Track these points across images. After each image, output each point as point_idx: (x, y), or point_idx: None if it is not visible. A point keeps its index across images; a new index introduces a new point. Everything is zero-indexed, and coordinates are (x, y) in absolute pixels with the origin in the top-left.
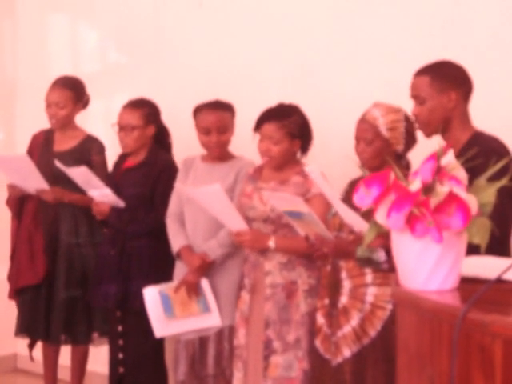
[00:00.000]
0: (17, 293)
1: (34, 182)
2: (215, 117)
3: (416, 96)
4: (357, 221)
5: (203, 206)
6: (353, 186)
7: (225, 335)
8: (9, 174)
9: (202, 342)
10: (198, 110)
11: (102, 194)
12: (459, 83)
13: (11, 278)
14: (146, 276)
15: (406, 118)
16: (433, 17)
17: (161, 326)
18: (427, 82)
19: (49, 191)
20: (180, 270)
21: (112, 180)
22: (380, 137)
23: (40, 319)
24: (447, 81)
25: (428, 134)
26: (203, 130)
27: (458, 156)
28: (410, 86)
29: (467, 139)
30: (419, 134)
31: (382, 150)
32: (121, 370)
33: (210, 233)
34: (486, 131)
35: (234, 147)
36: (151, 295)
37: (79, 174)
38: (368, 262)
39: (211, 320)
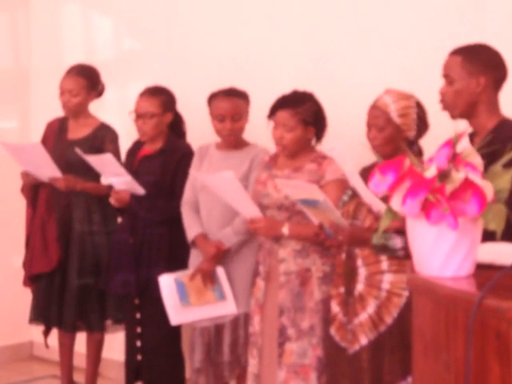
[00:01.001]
0: (31, 280)
1: (47, 169)
2: (230, 104)
3: (446, 75)
4: (376, 201)
5: (217, 192)
6: (364, 173)
7: (240, 323)
8: (22, 162)
9: (218, 329)
10: (213, 97)
11: (121, 182)
12: (491, 69)
13: (26, 265)
14: (166, 264)
15: (418, 105)
16: (446, 2)
17: (176, 313)
18: (459, 63)
19: (61, 179)
20: (195, 258)
21: (130, 167)
22: (391, 123)
23: (53, 306)
24: (478, 64)
25: (453, 116)
26: (218, 117)
27: (484, 143)
28: (443, 64)
29: (493, 126)
30: (433, 119)
31: (393, 137)
32: (139, 357)
33: (225, 221)
34: None
35: (247, 134)
36: (167, 283)
37: (101, 161)
38: (384, 249)
39: (227, 308)
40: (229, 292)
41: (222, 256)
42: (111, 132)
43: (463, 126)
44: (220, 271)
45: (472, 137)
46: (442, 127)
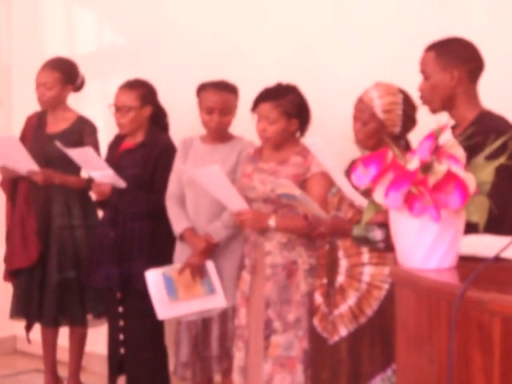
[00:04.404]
0: (11, 275)
1: (24, 163)
2: (220, 97)
3: (422, 71)
4: (358, 195)
5: (204, 186)
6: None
7: (229, 316)
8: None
9: (205, 323)
10: (203, 88)
11: (103, 175)
12: (464, 61)
13: (6, 260)
14: (147, 257)
15: (405, 101)
16: None
17: (164, 308)
18: (432, 58)
19: (39, 173)
20: (181, 252)
21: (111, 161)
22: (375, 118)
23: (34, 301)
24: (451, 58)
25: (432, 110)
26: (206, 109)
27: (464, 134)
28: (419, 61)
29: (473, 118)
30: (422, 114)
31: (376, 131)
32: (122, 350)
33: (213, 214)
34: (493, 110)
35: (231, 127)
36: (154, 278)
37: (82, 155)
38: (364, 240)
39: (216, 301)
40: (218, 285)
41: (211, 250)
42: (90, 125)
43: (445, 118)
44: (209, 265)
45: (453, 129)
46: (430, 121)
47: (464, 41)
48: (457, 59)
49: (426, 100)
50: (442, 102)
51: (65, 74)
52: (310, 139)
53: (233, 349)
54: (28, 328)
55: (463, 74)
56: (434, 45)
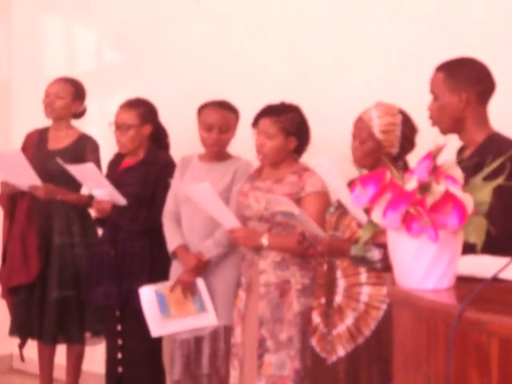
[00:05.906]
0: (9, 292)
1: (27, 178)
2: (219, 115)
3: (432, 91)
4: (364, 215)
5: (198, 203)
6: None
7: (220, 335)
8: (1, 171)
9: (197, 341)
10: (204, 107)
11: (103, 192)
12: (473, 83)
13: (2, 277)
14: (147, 275)
15: (404, 122)
16: (427, 16)
17: (157, 325)
18: (441, 79)
19: (41, 187)
20: (176, 270)
21: (111, 179)
22: (373, 138)
23: (33, 318)
24: (460, 80)
25: (441, 131)
26: (205, 126)
27: (473, 156)
28: (430, 80)
29: (482, 140)
30: (421, 136)
31: (373, 151)
32: (119, 369)
33: (206, 232)
34: (503, 133)
35: (230, 147)
36: (147, 294)
37: (82, 171)
38: (362, 260)
39: (207, 319)
40: (209, 303)
41: (202, 268)
42: (92, 142)
43: (453, 139)
44: (200, 283)
45: (463, 150)
46: (428, 142)
47: (475, 62)
48: (466, 81)
49: (434, 121)
50: (450, 123)
51: (76, 90)
52: (316, 159)
53: (225, 368)
54: (21, 346)
55: (472, 96)
56: (444, 65)
